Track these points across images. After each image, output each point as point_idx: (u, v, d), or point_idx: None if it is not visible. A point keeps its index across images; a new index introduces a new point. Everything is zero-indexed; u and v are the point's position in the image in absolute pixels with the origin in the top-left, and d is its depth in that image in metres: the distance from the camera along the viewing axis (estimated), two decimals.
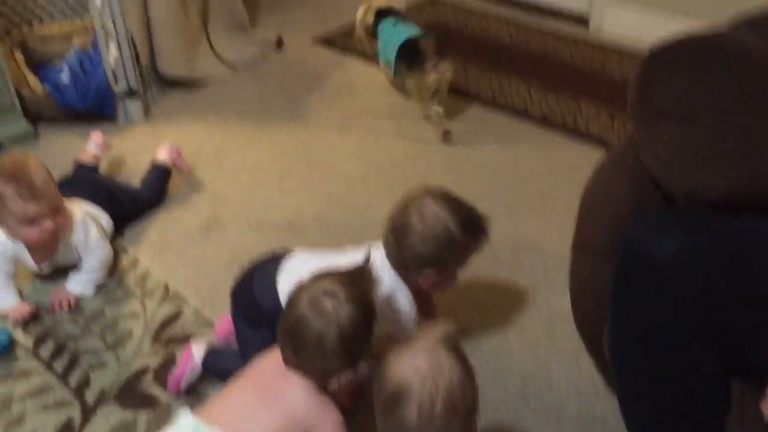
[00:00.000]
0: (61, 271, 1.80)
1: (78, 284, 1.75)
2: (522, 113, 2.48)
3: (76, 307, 1.73)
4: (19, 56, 2.50)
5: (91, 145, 2.11)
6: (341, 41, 3.01)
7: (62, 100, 2.38)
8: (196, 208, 2.08)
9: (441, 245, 1.36)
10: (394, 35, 2.45)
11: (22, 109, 2.35)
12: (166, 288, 1.79)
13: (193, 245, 1.94)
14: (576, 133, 2.35)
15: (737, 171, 1.10)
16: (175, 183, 2.15)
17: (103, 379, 1.55)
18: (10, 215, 1.60)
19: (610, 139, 2.29)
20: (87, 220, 1.75)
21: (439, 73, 2.30)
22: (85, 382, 1.55)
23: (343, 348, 1.15)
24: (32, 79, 2.43)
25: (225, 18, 2.92)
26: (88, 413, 1.48)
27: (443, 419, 1.02)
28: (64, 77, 2.41)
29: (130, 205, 1.99)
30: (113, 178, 2.13)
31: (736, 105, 1.13)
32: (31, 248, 1.71)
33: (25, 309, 1.69)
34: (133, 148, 2.31)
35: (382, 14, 2.56)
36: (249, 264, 1.52)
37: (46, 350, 1.62)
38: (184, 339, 1.63)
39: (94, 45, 2.44)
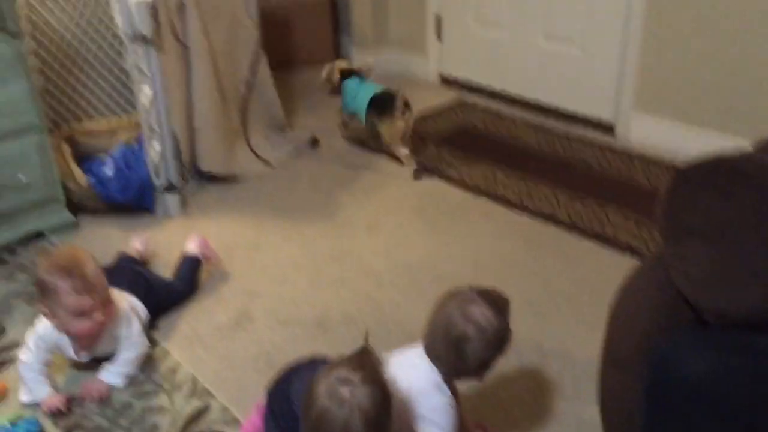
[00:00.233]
0: (92, 362, 1.83)
1: (112, 375, 1.78)
2: (549, 217, 2.52)
3: (106, 398, 1.75)
4: (66, 149, 2.63)
5: (136, 244, 2.22)
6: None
7: (104, 193, 2.48)
8: (227, 301, 2.12)
9: (499, 346, 1.39)
10: (361, 91, 2.97)
11: (65, 199, 2.45)
12: (195, 382, 1.81)
13: (223, 339, 1.97)
14: (603, 239, 2.37)
15: (765, 289, 1.12)
16: (206, 274, 2.20)
17: None
18: (62, 308, 1.64)
19: (637, 246, 2.31)
20: (131, 313, 1.80)
21: (405, 120, 2.85)
22: None
23: (371, 429, 1.17)
24: (77, 172, 2.54)
25: (263, 120, 3.06)
26: None
27: None
28: (108, 170, 2.52)
29: (166, 296, 2.04)
30: (150, 270, 2.20)
31: (763, 223, 1.16)
32: (77, 339, 1.74)
33: (58, 400, 1.71)
34: (169, 241, 2.38)
35: (345, 74, 3.06)
36: (285, 367, 1.52)
37: None
38: None
39: (139, 140, 2.56)
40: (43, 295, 1.66)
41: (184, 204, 2.62)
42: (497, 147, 3.09)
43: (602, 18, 3.04)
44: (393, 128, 2.85)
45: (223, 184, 2.79)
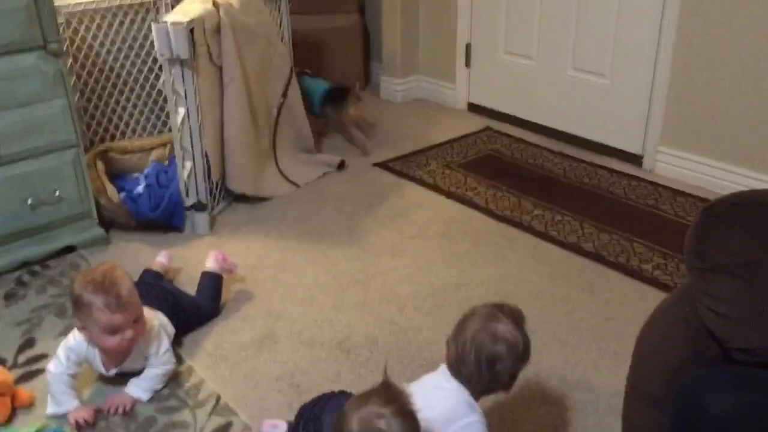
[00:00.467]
0: (118, 376, 1.85)
1: (138, 389, 1.80)
2: (574, 247, 2.52)
3: (131, 411, 1.77)
4: (100, 166, 2.68)
5: (161, 258, 2.26)
6: (399, 167, 3.15)
7: (136, 210, 2.53)
8: (251, 321, 2.15)
9: (526, 358, 1.43)
10: (312, 86, 3.38)
11: (97, 215, 2.50)
12: (218, 400, 1.83)
13: (247, 358, 1.99)
14: (628, 270, 2.37)
15: None
16: (232, 292, 2.24)
17: None
18: (95, 324, 1.67)
19: (662, 279, 2.30)
20: (161, 330, 1.83)
21: (357, 108, 3.37)
22: None
23: None
24: (110, 188, 2.59)
25: (293, 142, 3.11)
26: None
27: None
28: (140, 188, 2.57)
29: (193, 313, 2.06)
30: (176, 287, 2.23)
31: None
32: (107, 354, 1.77)
33: (86, 413, 1.73)
34: (196, 258, 2.42)
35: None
36: (320, 396, 1.54)
37: None
38: None
39: (171, 160, 2.61)
40: (77, 309, 1.69)
41: (212, 223, 2.66)
42: (524, 175, 3.10)
43: (631, 51, 3.06)
44: (346, 115, 3.35)
45: (250, 203, 2.83)
